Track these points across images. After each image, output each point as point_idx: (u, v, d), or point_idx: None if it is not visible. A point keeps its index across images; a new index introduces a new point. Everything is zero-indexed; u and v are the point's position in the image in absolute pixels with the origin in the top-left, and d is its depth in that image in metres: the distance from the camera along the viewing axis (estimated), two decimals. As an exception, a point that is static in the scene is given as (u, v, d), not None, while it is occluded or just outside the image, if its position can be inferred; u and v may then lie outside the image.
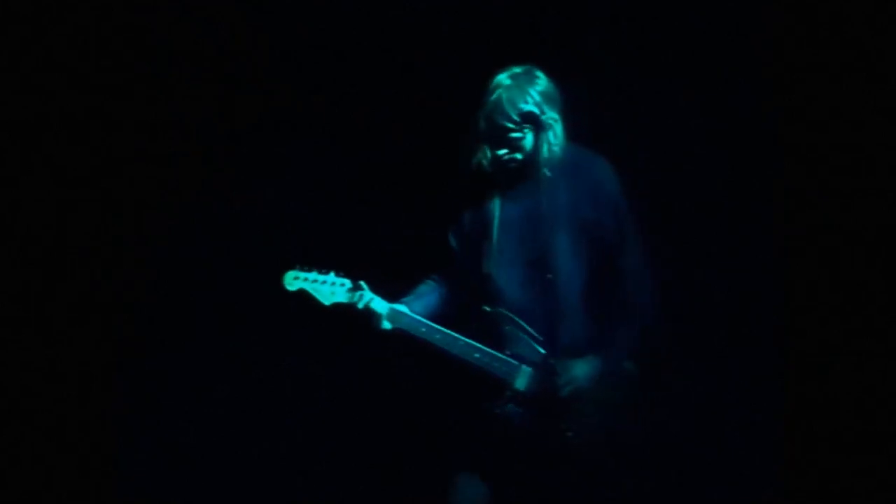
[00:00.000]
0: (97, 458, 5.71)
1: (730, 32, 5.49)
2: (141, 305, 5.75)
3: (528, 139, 4.66)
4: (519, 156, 4.68)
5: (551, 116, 4.66)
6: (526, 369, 4.72)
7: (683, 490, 5.36)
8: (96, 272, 5.71)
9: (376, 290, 4.73)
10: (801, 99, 5.35)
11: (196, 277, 5.77)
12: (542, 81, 4.68)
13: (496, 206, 4.77)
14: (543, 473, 4.69)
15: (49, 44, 5.63)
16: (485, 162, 4.72)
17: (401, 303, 4.77)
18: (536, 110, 4.63)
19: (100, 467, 5.71)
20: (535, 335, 4.73)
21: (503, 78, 4.67)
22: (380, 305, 4.71)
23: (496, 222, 4.76)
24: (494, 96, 4.65)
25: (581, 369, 4.70)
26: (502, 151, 4.68)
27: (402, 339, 4.71)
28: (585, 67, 4.77)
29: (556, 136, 4.68)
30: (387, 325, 4.72)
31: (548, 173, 4.67)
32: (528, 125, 4.63)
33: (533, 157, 4.66)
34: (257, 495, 5.80)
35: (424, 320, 4.73)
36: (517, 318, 4.74)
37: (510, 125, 4.63)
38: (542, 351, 4.72)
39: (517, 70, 4.70)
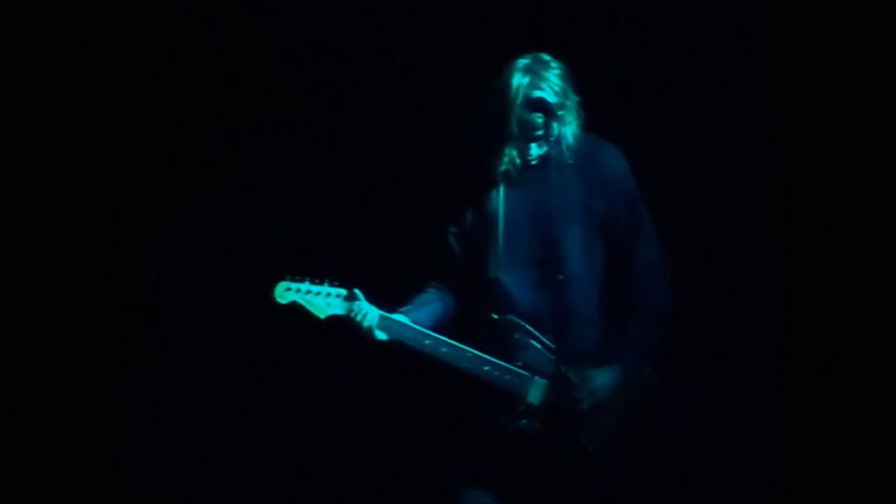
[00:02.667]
0: (98, 458, 5.71)
1: (730, 32, 5.49)
2: (141, 306, 5.75)
3: (556, 129, 4.53)
4: (546, 147, 4.57)
5: (574, 99, 4.57)
6: (539, 381, 4.54)
7: (683, 490, 5.35)
8: (96, 272, 5.71)
9: (376, 294, 4.57)
10: (801, 99, 5.35)
11: (196, 277, 5.77)
12: (555, 64, 4.57)
13: (500, 205, 4.63)
14: (552, 480, 4.56)
15: (49, 44, 5.63)
16: (512, 168, 4.58)
17: (401, 312, 4.58)
18: (562, 97, 4.52)
19: (101, 467, 5.71)
20: (547, 343, 4.56)
21: (518, 75, 4.52)
22: (378, 317, 4.51)
23: (501, 222, 4.62)
24: (520, 98, 4.50)
25: (601, 380, 4.55)
26: (534, 148, 4.57)
27: (404, 347, 4.56)
28: (585, 67, 4.75)
29: (577, 118, 4.58)
30: (382, 336, 4.51)
31: (569, 161, 4.57)
32: (556, 115, 4.50)
33: (558, 146, 4.55)
34: (257, 495, 5.80)
35: (428, 332, 4.54)
36: (527, 325, 4.57)
37: (542, 119, 4.50)
38: (555, 359, 4.54)
39: (526, 61, 4.56)
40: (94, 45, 5.66)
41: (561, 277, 4.52)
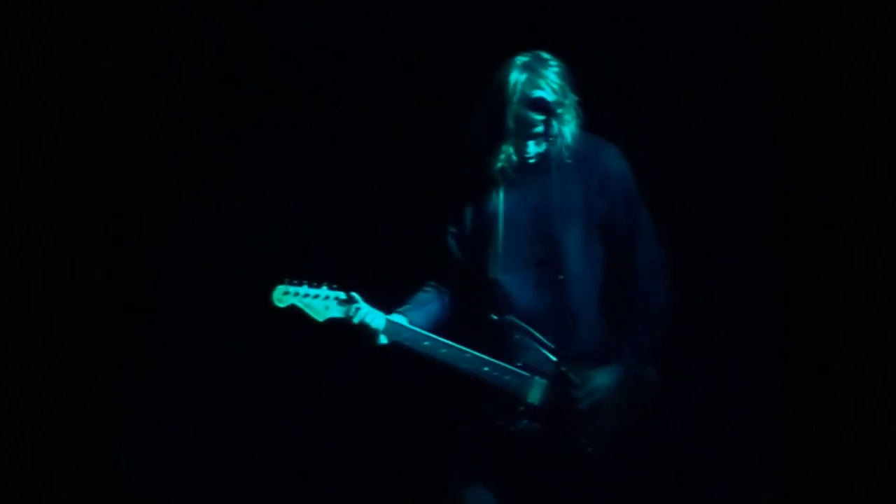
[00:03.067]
0: (98, 458, 5.71)
1: (730, 32, 5.49)
2: (141, 306, 5.75)
3: (555, 127, 4.51)
4: (544, 146, 4.55)
5: (572, 98, 4.55)
6: (539, 381, 4.53)
7: (683, 490, 5.35)
8: (96, 272, 5.71)
9: (376, 294, 4.57)
10: (801, 99, 5.35)
11: (196, 277, 5.77)
12: (554, 63, 4.56)
13: (500, 205, 4.62)
14: (552, 480, 4.56)
15: (49, 44, 5.63)
16: (509, 165, 4.56)
17: (399, 313, 4.57)
18: (560, 96, 4.50)
19: (101, 467, 5.71)
20: (547, 343, 4.56)
21: (516, 72, 4.51)
22: (376, 319, 4.50)
23: (501, 222, 4.60)
24: (517, 95, 4.49)
25: (601, 380, 4.54)
26: (532, 146, 4.56)
27: (403, 348, 4.55)
28: (585, 67, 4.75)
29: (576, 118, 4.56)
30: (383, 340, 4.51)
31: (568, 160, 4.54)
32: (555, 114, 4.48)
33: (557, 145, 4.53)
34: (257, 495, 5.80)
35: (427, 333, 4.53)
36: (527, 326, 4.56)
37: (540, 117, 4.48)
38: (555, 360, 4.54)
39: (525, 59, 4.55)
40: (94, 45, 5.66)
41: (561, 277, 4.52)
